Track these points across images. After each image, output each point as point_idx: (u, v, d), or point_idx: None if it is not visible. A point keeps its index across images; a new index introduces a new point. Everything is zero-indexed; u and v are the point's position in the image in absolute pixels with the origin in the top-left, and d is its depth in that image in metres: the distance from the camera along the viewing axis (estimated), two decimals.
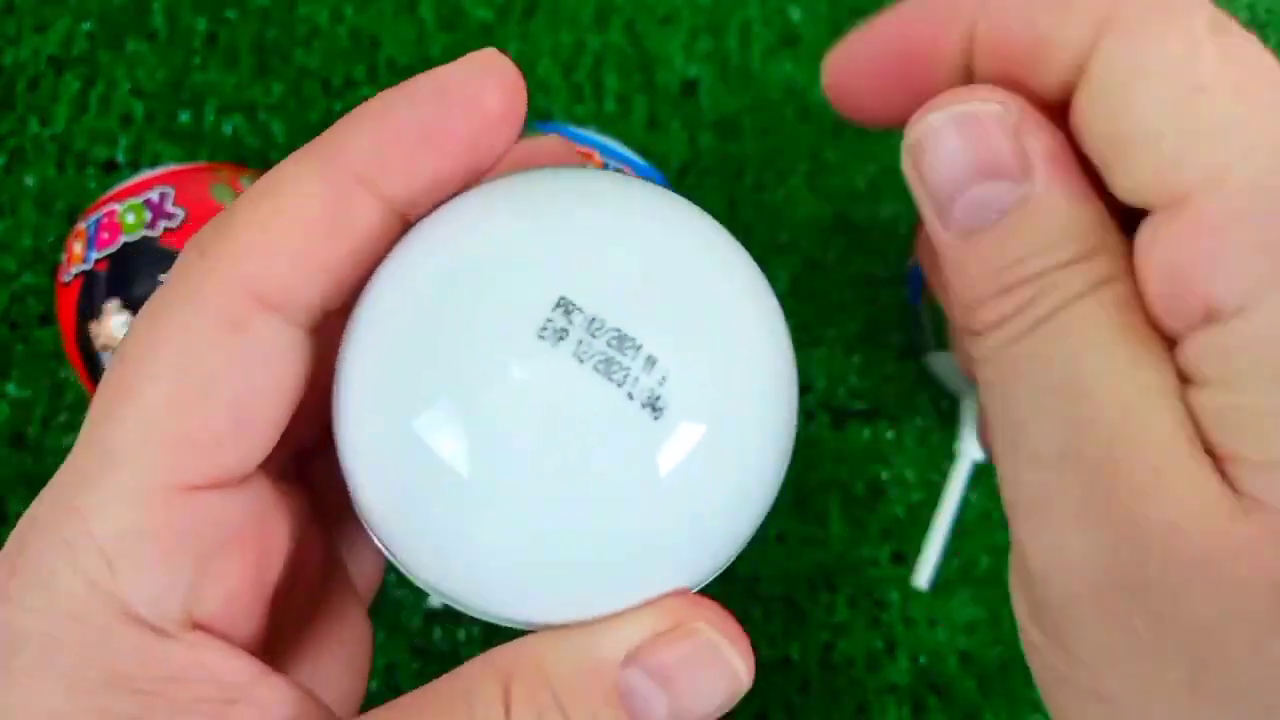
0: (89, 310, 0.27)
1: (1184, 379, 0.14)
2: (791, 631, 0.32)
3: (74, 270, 0.28)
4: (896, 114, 0.16)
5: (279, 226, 0.15)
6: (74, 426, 0.33)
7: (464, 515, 0.14)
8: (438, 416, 0.14)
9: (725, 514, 0.15)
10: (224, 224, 0.15)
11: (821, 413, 0.34)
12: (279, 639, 0.18)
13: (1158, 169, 0.14)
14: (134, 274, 0.27)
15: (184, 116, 0.36)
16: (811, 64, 0.38)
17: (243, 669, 0.15)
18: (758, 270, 0.17)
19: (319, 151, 0.15)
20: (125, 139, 0.36)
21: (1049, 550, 0.15)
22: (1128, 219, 0.15)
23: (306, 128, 0.36)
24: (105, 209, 0.28)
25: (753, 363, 0.15)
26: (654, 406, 0.14)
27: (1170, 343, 0.14)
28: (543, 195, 0.16)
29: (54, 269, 0.34)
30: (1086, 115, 0.15)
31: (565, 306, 0.14)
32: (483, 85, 0.15)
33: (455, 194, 0.16)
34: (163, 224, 0.28)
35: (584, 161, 0.30)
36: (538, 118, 0.37)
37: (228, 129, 0.36)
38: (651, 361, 0.14)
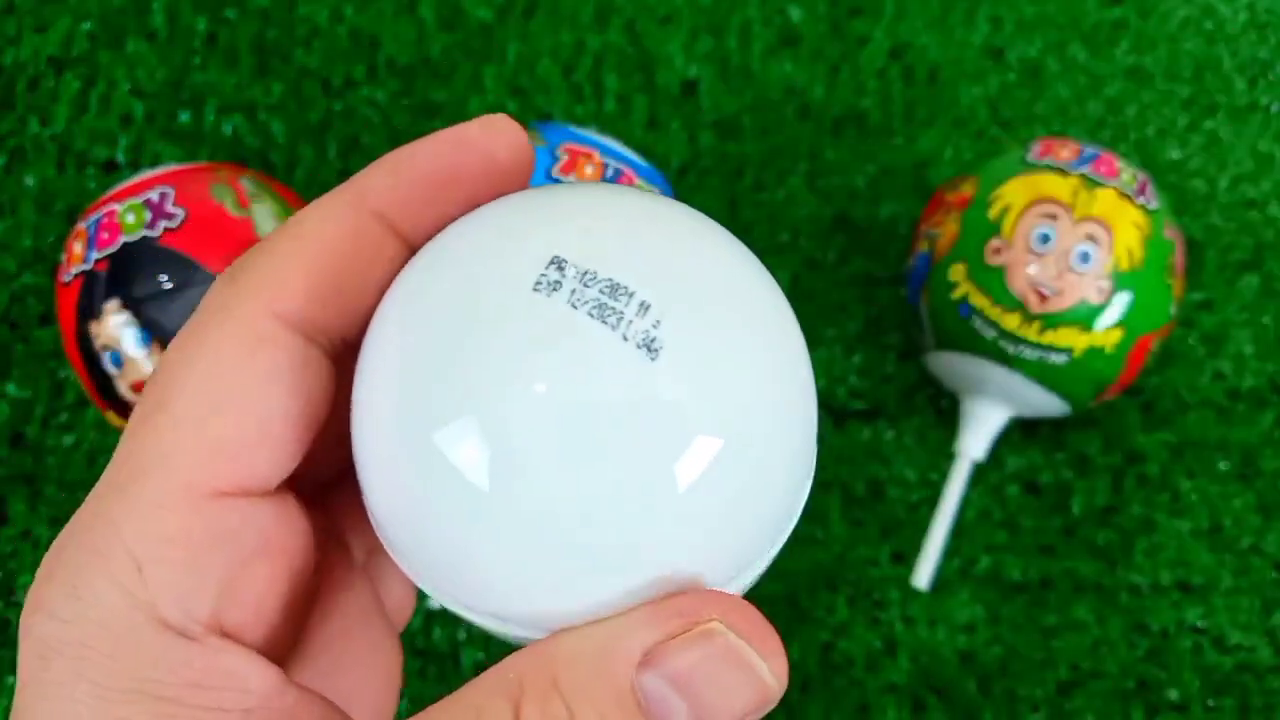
0: (89, 310, 0.27)
1: None
2: (792, 631, 0.32)
3: (74, 270, 0.28)
4: None
5: (301, 253, 0.16)
6: (73, 426, 0.33)
7: (482, 527, 0.14)
8: (456, 431, 0.14)
9: (748, 499, 0.15)
10: (253, 253, 0.16)
11: (821, 413, 0.34)
12: (307, 657, 0.18)
13: None
14: (134, 274, 0.27)
15: (184, 116, 0.36)
16: (811, 64, 0.38)
17: (266, 677, 0.15)
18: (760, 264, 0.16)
19: (343, 191, 0.16)
20: (125, 139, 0.36)
21: None
22: None
23: (306, 127, 0.36)
24: (105, 209, 0.28)
25: (776, 368, 0.15)
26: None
27: None
28: (549, 205, 0.16)
29: (54, 269, 0.34)
30: None
31: (571, 280, 0.14)
32: (495, 141, 0.17)
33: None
34: (162, 224, 0.28)
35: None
36: (537, 117, 0.37)
37: (228, 129, 0.36)
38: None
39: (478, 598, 0.15)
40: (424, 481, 0.14)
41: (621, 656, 0.14)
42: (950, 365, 0.31)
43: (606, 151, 0.30)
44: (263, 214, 0.29)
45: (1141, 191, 0.30)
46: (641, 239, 0.15)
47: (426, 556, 0.15)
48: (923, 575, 0.32)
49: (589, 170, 0.29)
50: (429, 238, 0.16)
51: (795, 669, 0.32)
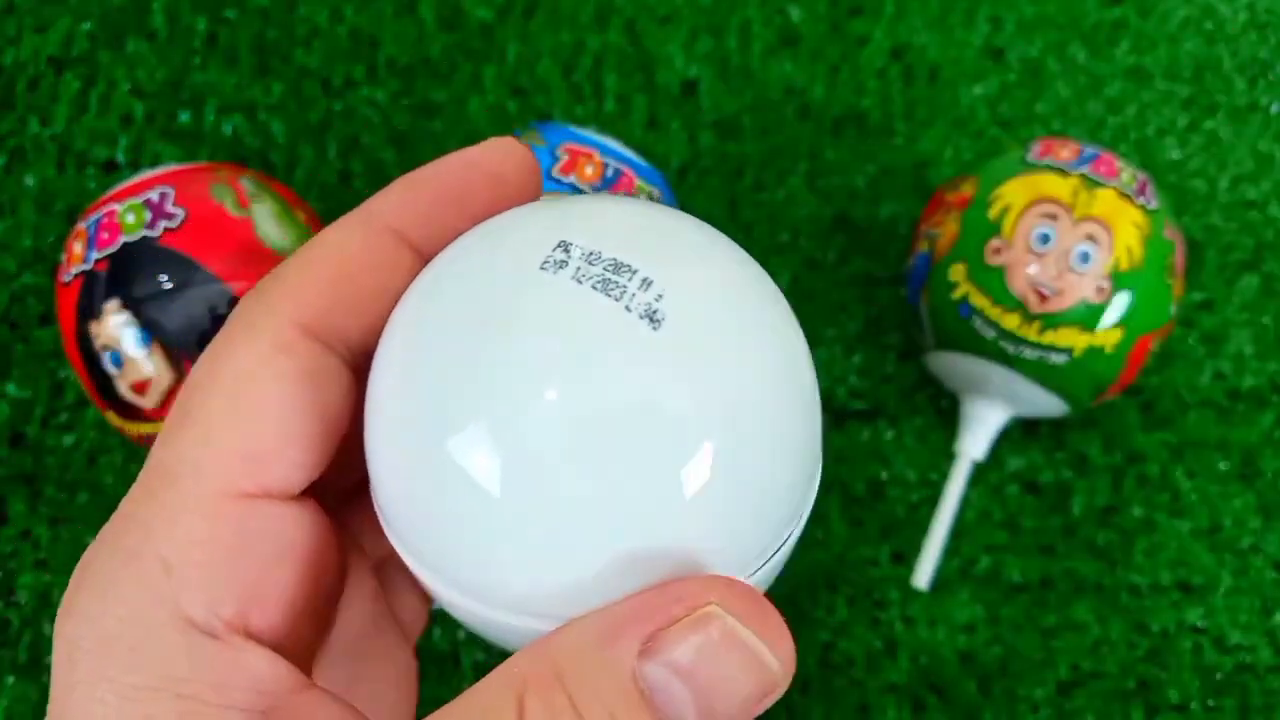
0: (89, 310, 0.27)
1: None
2: (791, 631, 0.32)
3: (74, 270, 0.28)
4: None
5: (320, 269, 0.17)
6: (73, 426, 0.33)
7: (494, 531, 0.14)
8: (469, 438, 0.14)
9: (753, 484, 0.15)
10: (276, 270, 0.17)
11: (822, 413, 0.34)
12: (325, 663, 0.18)
13: None
14: (134, 274, 0.27)
15: (184, 116, 0.36)
16: (811, 64, 0.38)
17: (287, 677, 0.16)
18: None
19: (358, 211, 0.17)
20: (125, 139, 0.36)
21: None
22: None
23: (306, 127, 0.36)
24: (105, 209, 0.28)
25: (776, 376, 0.16)
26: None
27: None
28: (556, 207, 0.16)
29: (54, 269, 0.34)
30: None
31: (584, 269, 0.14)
32: (502, 160, 0.18)
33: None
34: (162, 224, 0.28)
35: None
36: (537, 117, 0.37)
37: (228, 129, 0.36)
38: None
39: (489, 594, 0.15)
40: (437, 485, 0.14)
41: (623, 646, 0.14)
42: (950, 365, 0.31)
43: (606, 151, 0.30)
44: (263, 214, 0.29)
45: (1141, 191, 0.30)
46: (646, 230, 0.16)
47: (438, 556, 0.15)
48: (923, 575, 0.32)
49: (589, 170, 0.29)
50: (437, 246, 0.17)
51: (795, 669, 0.32)
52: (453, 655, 0.32)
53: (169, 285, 0.27)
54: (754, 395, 0.15)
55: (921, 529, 0.33)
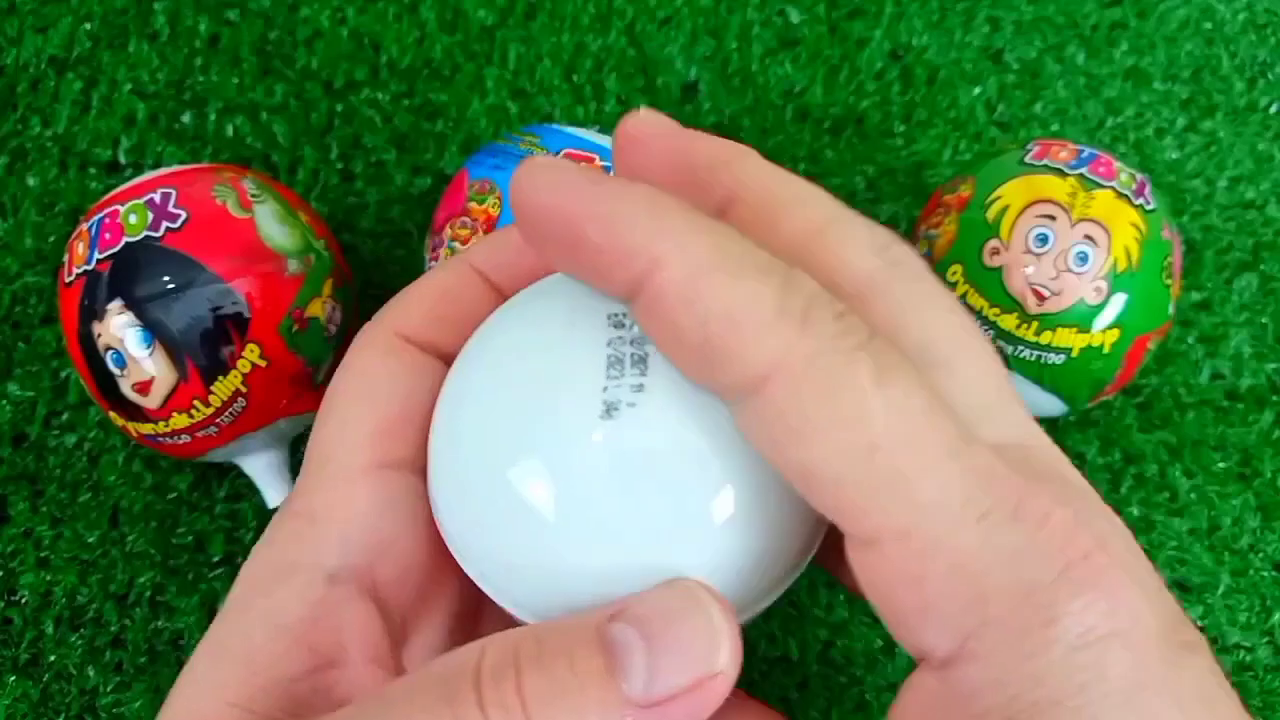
0: (91, 310, 0.28)
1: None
2: (791, 629, 0.32)
3: (76, 271, 0.28)
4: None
5: (419, 292, 0.21)
6: (76, 426, 0.33)
7: (547, 552, 0.17)
8: (528, 470, 0.17)
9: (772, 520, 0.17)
10: (393, 299, 0.21)
11: None
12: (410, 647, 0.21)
13: (847, 513, 0.15)
14: (136, 275, 0.27)
15: (186, 117, 0.36)
16: (811, 65, 0.38)
17: (375, 643, 0.19)
18: None
19: (457, 255, 0.22)
20: (128, 140, 0.36)
21: None
22: None
23: (309, 128, 0.36)
24: (108, 210, 0.28)
25: None
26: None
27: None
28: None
29: (56, 269, 0.34)
30: (756, 439, 0.15)
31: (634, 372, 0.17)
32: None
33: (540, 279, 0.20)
34: (165, 225, 0.28)
35: None
36: (538, 119, 0.37)
37: (230, 130, 0.36)
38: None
39: (537, 603, 0.18)
40: (496, 509, 0.17)
41: (598, 612, 0.16)
42: None
43: (607, 155, 0.30)
44: (265, 215, 0.29)
45: (1139, 192, 0.30)
46: None
47: (491, 565, 0.18)
48: None
49: None
50: (518, 287, 0.20)
51: (794, 667, 0.32)
52: None
53: (171, 286, 0.27)
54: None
55: None
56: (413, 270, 0.34)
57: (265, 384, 0.28)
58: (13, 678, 0.31)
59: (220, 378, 0.27)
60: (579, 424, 0.16)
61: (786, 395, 0.14)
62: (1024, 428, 0.18)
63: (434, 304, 0.21)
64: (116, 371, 0.28)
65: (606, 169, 0.30)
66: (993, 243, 0.30)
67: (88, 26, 0.37)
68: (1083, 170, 0.30)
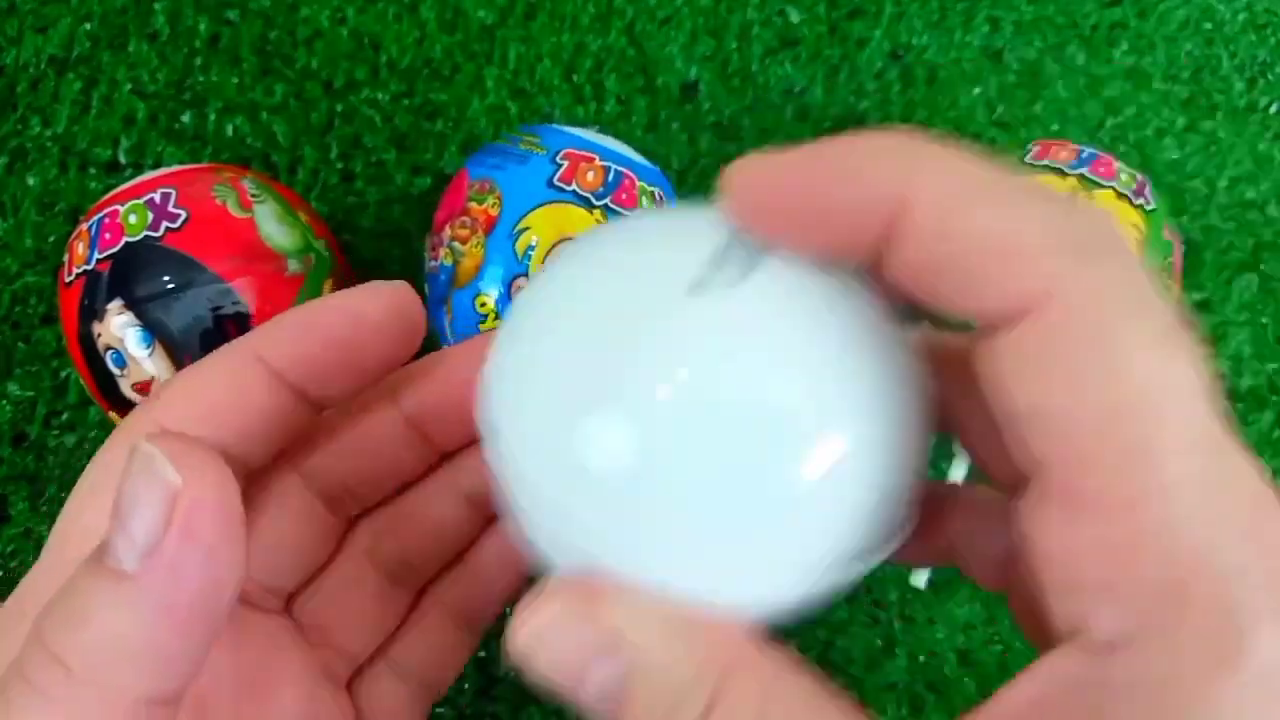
0: (91, 310, 0.28)
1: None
2: (790, 629, 0.32)
3: (76, 270, 0.28)
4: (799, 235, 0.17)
5: (184, 385, 0.19)
6: (76, 426, 0.33)
7: (619, 513, 0.15)
8: (601, 422, 0.15)
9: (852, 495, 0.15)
10: (155, 391, 0.20)
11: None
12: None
13: (1067, 467, 0.14)
14: (136, 274, 0.27)
15: (186, 117, 0.36)
16: (811, 65, 0.38)
17: None
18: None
19: (236, 341, 0.20)
20: (127, 140, 0.36)
21: None
22: None
23: (308, 128, 0.36)
24: (108, 210, 0.28)
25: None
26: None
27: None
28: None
29: (56, 269, 0.34)
30: (997, 371, 0.14)
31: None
32: (385, 312, 0.20)
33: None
34: (165, 225, 0.28)
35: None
36: (539, 119, 0.37)
37: (230, 130, 0.36)
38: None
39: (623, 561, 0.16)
40: (569, 466, 0.15)
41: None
42: None
43: (606, 155, 0.30)
44: (265, 214, 0.29)
45: (1139, 192, 0.30)
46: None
47: (564, 543, 0.16)
48: (921, 574, 0.33)
49: (590, 176, 0.29)
50: (301, 370, 0.19)
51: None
52: None
53: (171, 285, 0.27)
54: (875, 400, 0.15)
55: None
56: (413, 270, 0.34)
57: None
58: None
59: None
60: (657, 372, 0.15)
61: (1052, 330, 0.13)
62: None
63: (206, 408, 0.19)
64: (116, 371, 0.28)
65: (607, 170, 0.30)
66: None
67: (88, 26, 0.37)
68: (1083, 170, 0.30)
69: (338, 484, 0.22)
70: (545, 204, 0.29)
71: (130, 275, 0.27)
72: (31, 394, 0.34)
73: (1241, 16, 0.40)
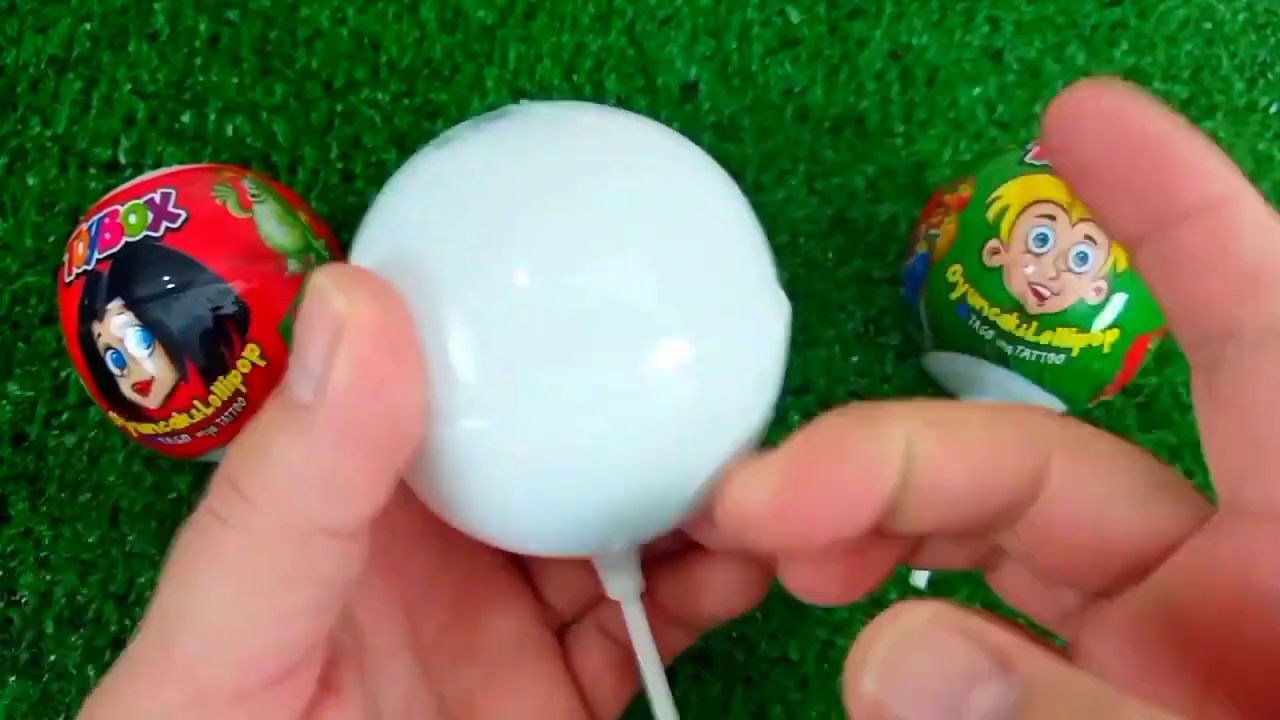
0: (91, 310, 0.28)
1: None
2: (790, 629, 0.32)
3: (76, 271, 0.28)
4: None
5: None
6: (76, 426, 0.33)
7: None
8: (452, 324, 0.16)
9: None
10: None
11: (821, 413, 0.34)
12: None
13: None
14: (136, 275, 0.27)
15: (186, 117, 0.36)
16: (811, 65, 0.38)
17: None
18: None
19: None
20: (127, 139, 0.36)
21: None
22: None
23: (309, 129, 0.36)
24: (107, 210, 0.28)
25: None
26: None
27: None
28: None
29: (56, 269, 0.34)
30: (1227, 413, 0.14)
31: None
32: None
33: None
34: (165, 225, 0.28)
35: None
36: None
37: (230, 130, 0.36)
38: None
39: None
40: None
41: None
42: (949, 365, 0.32)
43: None
44: (265, 214, 0.29)
45: None
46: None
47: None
48: (921, 574, 0.33)
49: None
50: None
51: (794, 667, 0.32)
52: None
53: (171, 285, 0.27)
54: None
55: None
56: None
57: (265, 384, 0.28)
58: (13, 678, 0.31)
59: (220, 378, 0.27)
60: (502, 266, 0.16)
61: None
62: None
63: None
64: (116, 371, 0.28)
65: None
66: (993, 243, 0.30)
67: (88, 26, 0.37)
68: None
69: None
70: None
71: (130, 275, 0.27)
72: (31, 394, 0.34)
73: (1241, 16, 0.40)
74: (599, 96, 0.37)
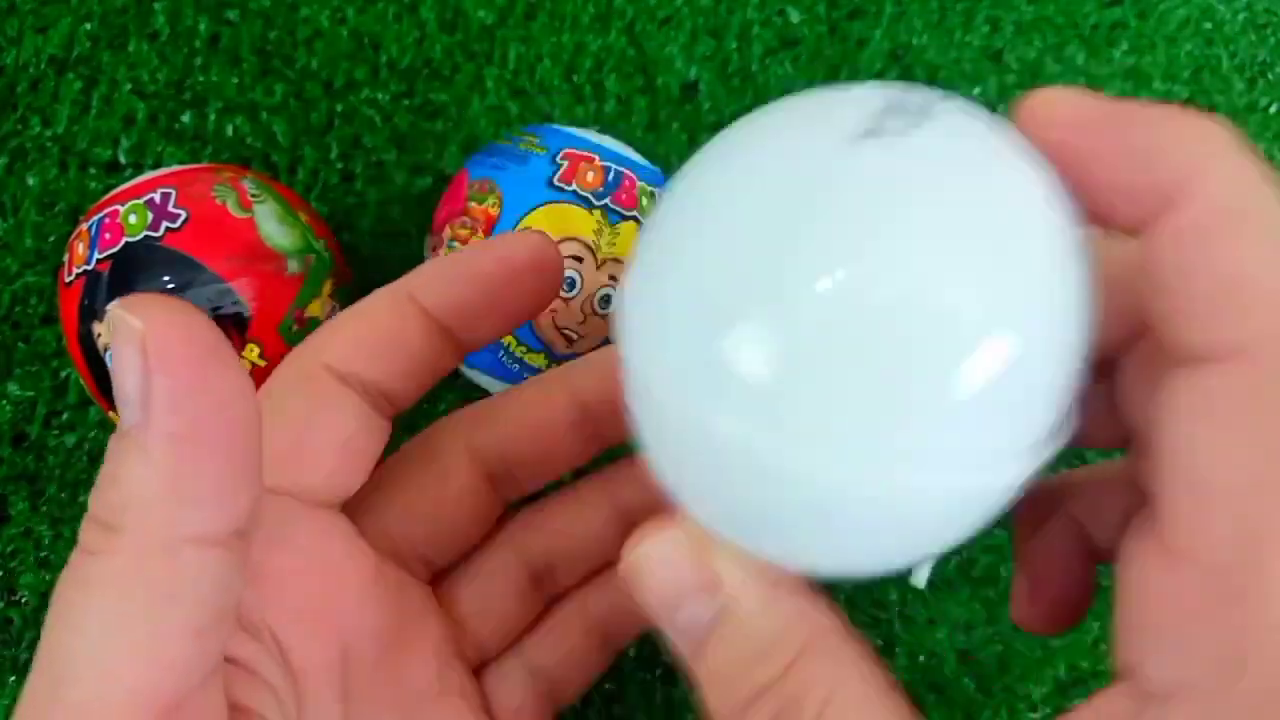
0: (91, 310, 0.28)
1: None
2: None
3: (76, 271, 0.28)
4: None
5: (348, 322, 0.21)
6: (76, 426, 0.33)
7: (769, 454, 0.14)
8: (743, 333, 0.13)
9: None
10: (320, 327, 0.21)
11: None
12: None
13: (1249, 329, 0.13)
14: (136, 275, 0.27)
15: (186, 117, 0.36)
16: (811, 65, 0.38)
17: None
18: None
19: (393, 283, 0.21)
20: (127, 140, 0.36)
21: None
22: None
23: (309, 128, 0.36)
24: (108, 210, 0.28)
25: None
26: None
27: None
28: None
29: (56, 269, 0.34)
30: (1167, 260, 0.14)
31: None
32: (534, 259, 0.21)
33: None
34: (165, 225, 0.28)
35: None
36: (539, 119, 0.37)
37: (230, 130, 0.36)
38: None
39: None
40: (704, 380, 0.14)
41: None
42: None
43: (607, 155, 0.30)
44: (265, 214, 0.29)
45: None
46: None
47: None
48: (921, 574, 0.33)
49: (590, 176, 0.29)
50: (458, 318, 0.20)
51: None
52: None
53: (171, 286, 0.27)
54: (1045, 294, 0.14)
55: None
56: None
57: None
58: (13, 678, 0.31)
59: None
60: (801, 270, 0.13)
61: (1243, 388, 0.13)
62: None
63: (365, 334, 0.20)
64: None
65: (607, 170, 0.30)
66: None
67: (88, 26, 0.37)
68: None
69: (502, 461, 0.22)
70: (545, 204, 0.29)
71: (130, 275, 0.27)
72: (31, 394, 0.34)
73: (1241, 16, 0.40)
74: (599, 96, 0.37)
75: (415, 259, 0.35)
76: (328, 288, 0.29)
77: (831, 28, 0.39)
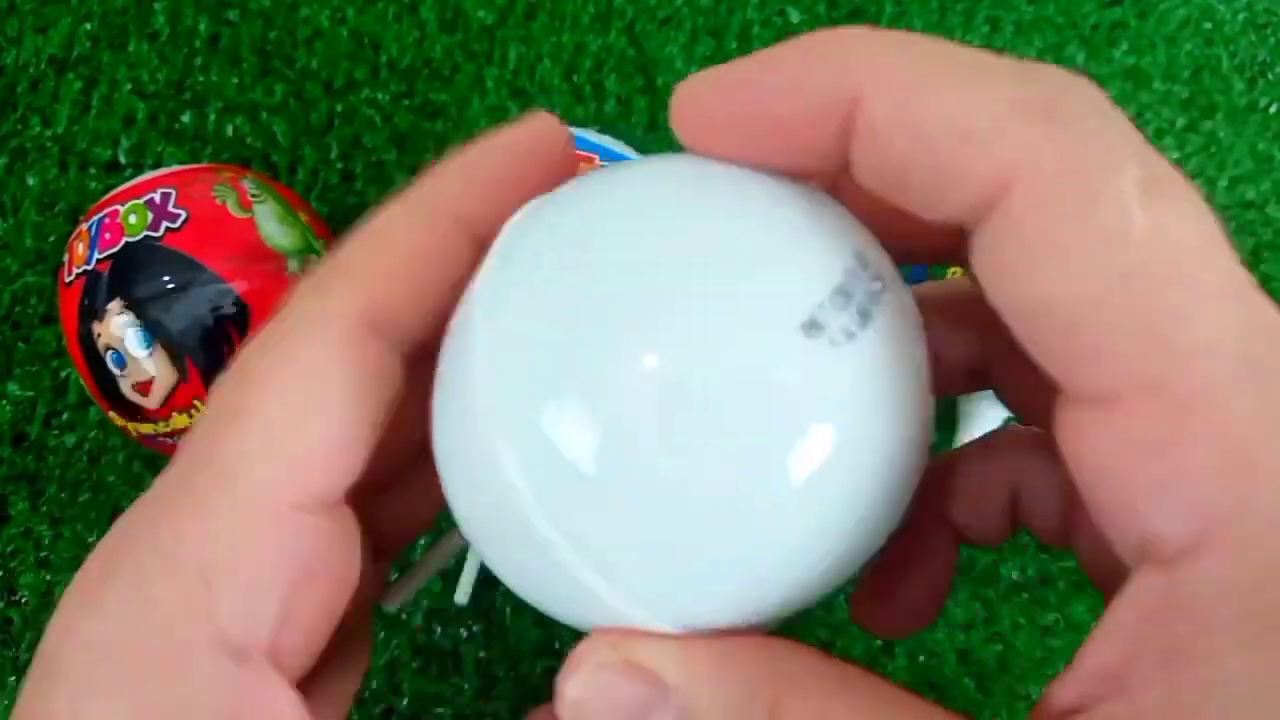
0: (91, 310, 0.28)
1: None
2: (790, 630, 0.32)
3: (76, 271, 0.28)
4: (750, 153, 0.15)
5: (386, 261, 0.16)
6: (76, 426, 0.33)
7: (587, 517, 0.13)
8: (565, 412, 0.13)
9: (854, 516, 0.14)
10: (337, 262, 0.16)
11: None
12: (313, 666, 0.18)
13: (1080, 360, 0.12)
14: (136, 274, 0.27)
15: (186, 117, 0.36)
16: None
17: (296, 714, 0.15)
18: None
19: (418, 196, 0.16)
20: (127, 139, 0.36)
21: None
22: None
23: (309, 128, 0.36)
24: (108, 210, 0.28)
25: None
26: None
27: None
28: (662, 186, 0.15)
29: (56, 269, 0.34)
30: (986, 271, 0.12)
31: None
32: (549, 141, 0.17)
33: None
34: (165, 225, 0.28)
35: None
36: None
37: (230, 130, 0.36)
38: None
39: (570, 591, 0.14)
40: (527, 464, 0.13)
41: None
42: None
43: (607, 155, 0.30)
44: (265, 214, 0.29)
45: None
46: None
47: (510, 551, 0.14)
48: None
49: None
50: (485, 221, 0.16)
51: None
52: (454, 653, 0.32)
53: (171, 285, 0.27)
54: (879, 379, 0.13)
55: None
56: None
57: None
58: (13, 678, 0.31)
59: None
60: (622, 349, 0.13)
61: (1027, 205, 0.12)
62: None
63: (404, 276, 0.16)
64: (116, 371, 0.28)
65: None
66: None
67: (88, 26, 0.37)
68: None
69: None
70: None
71: (130, 275, 0.27)
72: (31, 394, 0.34)
73: (1241, 16, 0.40)
74: (599, 96, 0.37)
75: None
76: None
77: (832, 27, 0.39)
